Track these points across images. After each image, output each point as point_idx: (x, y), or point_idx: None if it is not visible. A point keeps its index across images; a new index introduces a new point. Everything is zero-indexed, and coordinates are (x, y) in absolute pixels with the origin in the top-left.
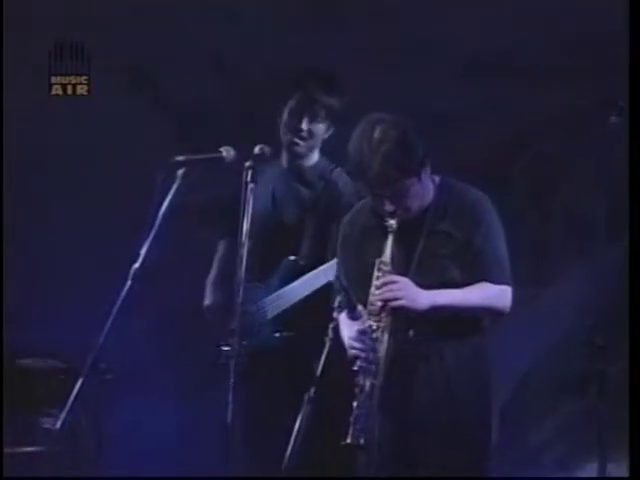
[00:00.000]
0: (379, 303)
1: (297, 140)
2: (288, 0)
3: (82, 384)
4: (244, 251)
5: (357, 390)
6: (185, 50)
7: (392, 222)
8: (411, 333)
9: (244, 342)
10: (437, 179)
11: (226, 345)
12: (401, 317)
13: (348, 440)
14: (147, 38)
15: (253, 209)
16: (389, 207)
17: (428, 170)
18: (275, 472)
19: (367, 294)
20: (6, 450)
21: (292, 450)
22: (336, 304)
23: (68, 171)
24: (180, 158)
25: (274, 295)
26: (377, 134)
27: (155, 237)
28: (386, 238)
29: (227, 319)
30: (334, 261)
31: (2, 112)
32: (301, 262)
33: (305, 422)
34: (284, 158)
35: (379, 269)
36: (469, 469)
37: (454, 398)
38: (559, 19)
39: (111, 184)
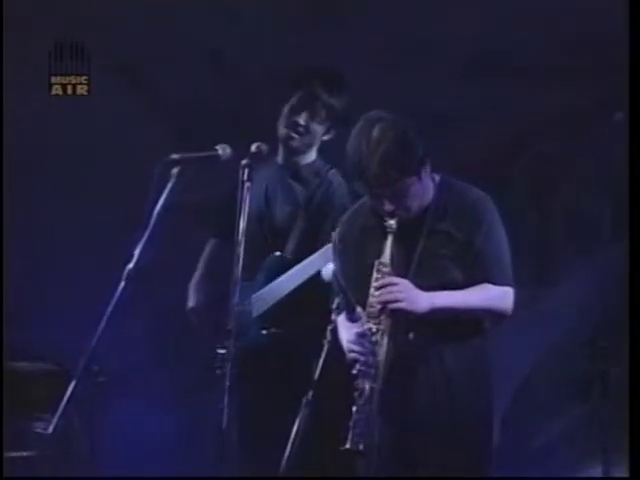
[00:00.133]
0: (378, 305)
1: (293, 134)
2: (288, 0)
3: (75, 387)
4: (241, 250)
5: (356, 394)
6: (185, 50)
7: (391, 222)
8: (411, 336)
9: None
10: (437, 178)
11: (222, 347)
12: (401, 319)
13: (347, 445)
14: (147, 38)
15: (244, 208)
16: (388, 207)
17: (428, 169)
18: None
19: (366, 295)
20: None
21: (289, 455)
22: (334, 306)
23: (68, 171)
24: (175, 156)
25: (260, 292)
26: (376, 133)
27: (150, 237)
28: (385, 238)
29: (212, 321)
30: (324, 249)
31: (2, 112)
32: (288, 257)
33: (303, 426)
34: (280, 154)
35: (378, 270)
36: (470, 473)
37: (455, 401)
38: (559, 19)
39: (111, 184)
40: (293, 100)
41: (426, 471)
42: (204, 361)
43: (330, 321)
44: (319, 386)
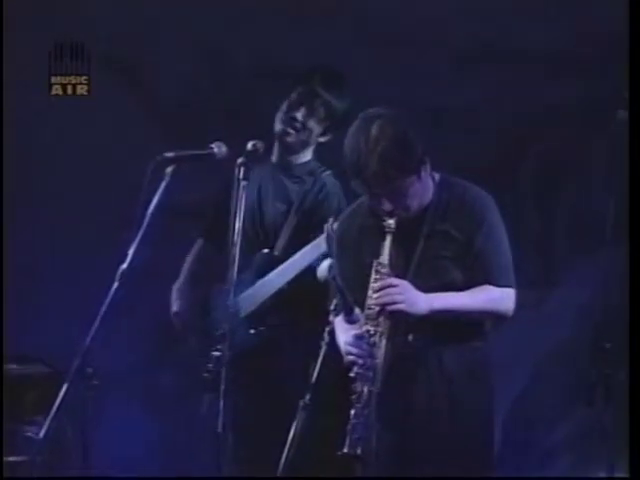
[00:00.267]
0: (377, 307)
1: (289, 130)
2: (288, 0)
3: (67, 390)
4: (237, 250)
5: (354, 397)
6: (185, 50)
7: (390, 222)
8: (410, 338)
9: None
10: (437, 177)
11: (216, 350)
12: (400, 321)
13: (345, 450)
14: (147, 38)
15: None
16: (387, 206)
17: (428, 168)
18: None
19: (364, 296)
20: None
21: (286, 459)
22: (332, 307)
23: (68, 171)
24: (169, 154)
25: (247, 291)
26: (375, 131)
27: (143, 237)
28: (384, 238)
29: (197, 325)
30: (316, 242)
31: (2, 112)
32: (276, 254)
33: (300, 430)
34: (275, 152)
35: (377, 271)
36: (470, 478)
37: (454, 405)
38: (559, 19)
39: (110, 184)
40: (292, 96)
41: (425, 475)
42: (199, 364)
43: (327, 322)
44: (316, 389)
